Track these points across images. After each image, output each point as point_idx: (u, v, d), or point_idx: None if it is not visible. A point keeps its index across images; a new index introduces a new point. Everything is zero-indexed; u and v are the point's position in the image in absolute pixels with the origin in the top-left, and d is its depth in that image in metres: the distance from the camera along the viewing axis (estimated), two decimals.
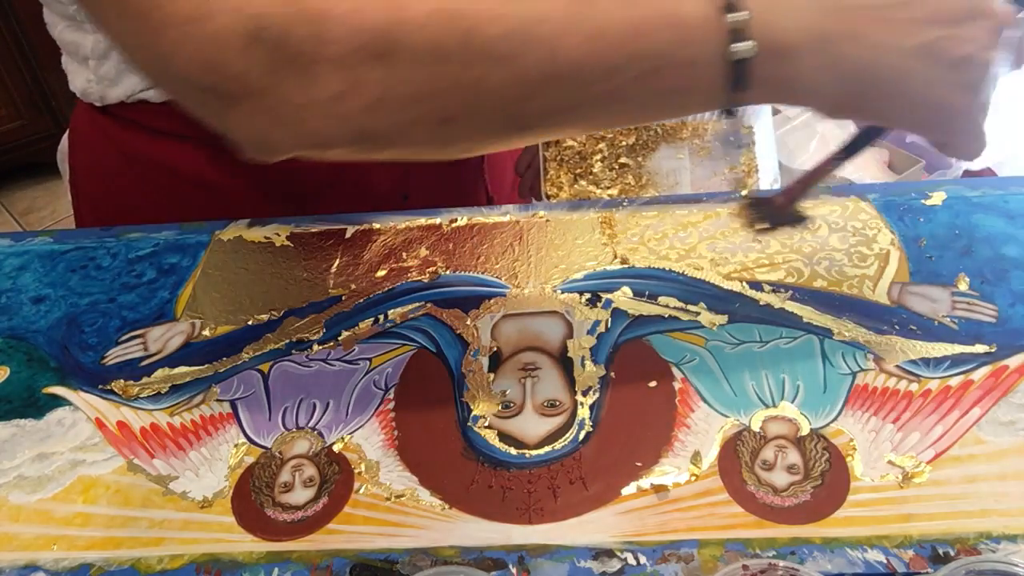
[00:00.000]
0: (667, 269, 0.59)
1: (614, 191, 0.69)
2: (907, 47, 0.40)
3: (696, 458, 0.48)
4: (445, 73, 0.39)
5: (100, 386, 0.56)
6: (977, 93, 0.42)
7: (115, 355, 0.58)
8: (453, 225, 0.65)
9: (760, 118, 0.71)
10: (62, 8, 0.64)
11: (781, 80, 0.41)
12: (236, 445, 0.52)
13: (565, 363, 0.54)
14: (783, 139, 0.80)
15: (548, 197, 0.74)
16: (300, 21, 0.38)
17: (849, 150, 0.49)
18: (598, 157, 0.71)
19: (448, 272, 0.62)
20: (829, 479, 0.47)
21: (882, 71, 0.41)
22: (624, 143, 0.72)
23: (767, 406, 0.51)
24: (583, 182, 0.70)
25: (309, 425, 0.53)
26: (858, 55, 0.40)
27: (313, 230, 0.66)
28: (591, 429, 0.51)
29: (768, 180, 0.67)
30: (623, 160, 0.71)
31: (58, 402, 0.56)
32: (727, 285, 0.58)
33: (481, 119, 0.42)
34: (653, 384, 0.53)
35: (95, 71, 0.66)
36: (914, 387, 0.51)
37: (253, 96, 0.39)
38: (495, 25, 0.39)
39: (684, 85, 0.41)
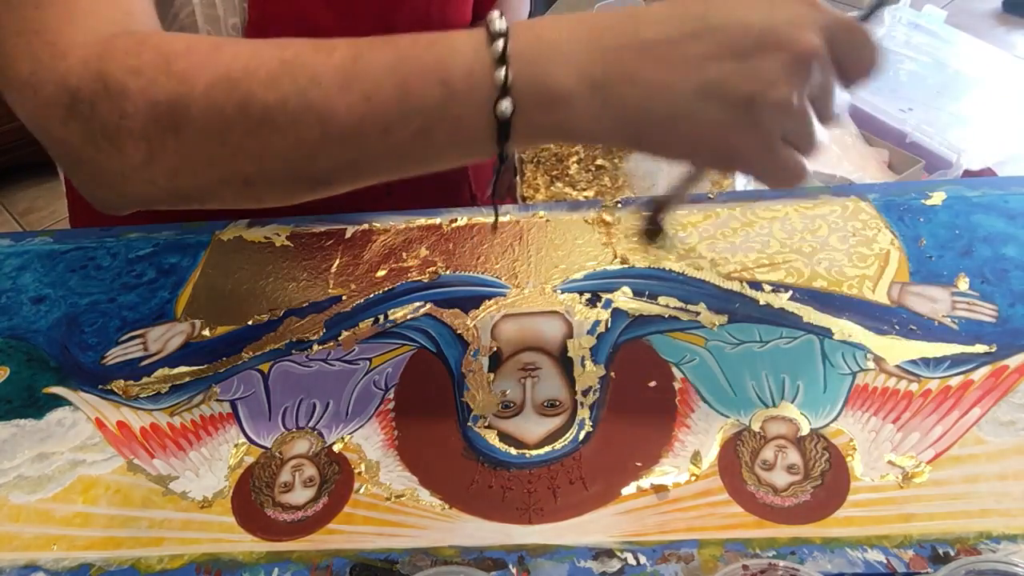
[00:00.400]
0: (667, 269, 0.59)
1: (590, 193, 0.69)
2: (686, 87, 0.37)
3: (696, 458, 0.48)
4: (230, 141, 0.41)
5: (100, 386, 0.56)
6: (767, 132, 0.38)
7: (115, 355, 0.58)
8: (453, 225, 0.65)
9: None
10: None
11: (553, 127, 0.40)
12: (236, 445, 0.52)
13: (565, 363, 0.54)
14: None
15: (524, 199, 0.74)
16: (104, 97, 0.41)
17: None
18: (574, 159, 0.71)
19: (448, 272, 0.62)
20: (829, 479, 0.47)
21: (659, 113, 0.38)
22: (600, 145, 0.72)
23: (767, 406, 0.51)
24: (559, 184, 0.70)
25: (309, 425, 0.53)
26: (634, 98, 0.38)
27: (313, 230, 0.66)
28: (591, 429, 0.51)
29: (742, 182, 0.67)
30: (599, 162, 0.71)
31: (58, 402, 0.56)
32: (727, 285, 0.58)
33: (277, 179, 0.43)
34: (653, 384, 0.53)
35: None
36: (914, 387, 0.51)
37: (77, 162, 0.44)
38: (270, 92, 0.40)
39: (457, 140, 0.41)
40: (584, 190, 0.70)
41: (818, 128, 0.39)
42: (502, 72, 0.38)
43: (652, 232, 0.51)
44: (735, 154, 0.40)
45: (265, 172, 0.43)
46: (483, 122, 0.39)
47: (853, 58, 0.39)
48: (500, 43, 0.38)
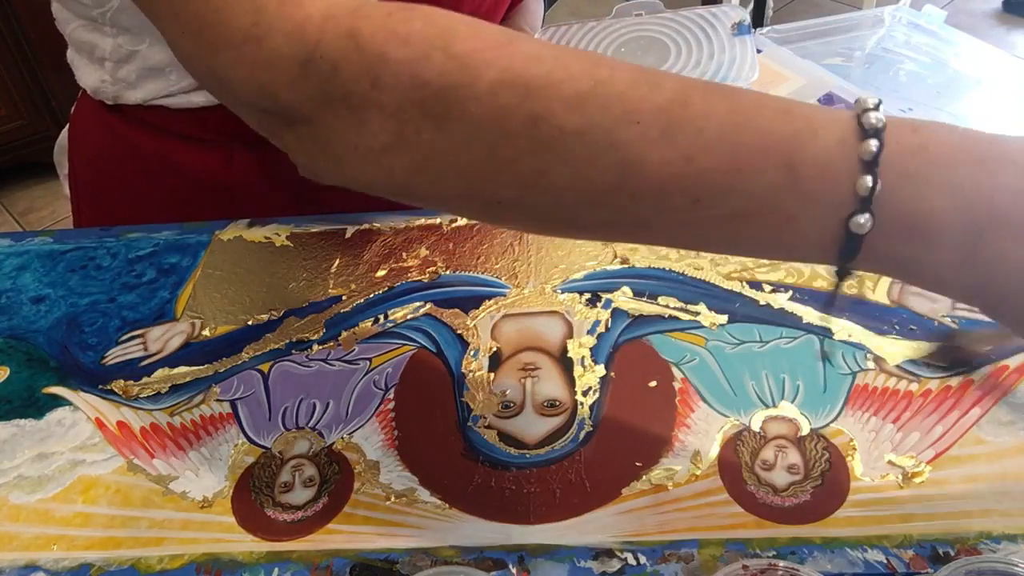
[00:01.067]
0: (667, 269, 0.59)
1: None
2: None
3: (696, 458, 0.48)
4: (502, 155, 0.34)
5: (100, 386, 0.56)
6: None
7: (115, 355, 0.58)
8: (453, 225, 0.65)
9: None
10: (82, 9, 0.63)
11: (906, 259, 0.32)
12: (236, 445, 0.52)
13: (565, 363, 0.54)
14: None
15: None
16: (355, 59, 0.35)
17: None
18: None
19: (448, 272, 0.62)
20: (829, 479, 0.47)
21: None
22: None
23: (767, 406, 0.51)
24: None
25: (309, 425, 0.53)
26: (1016, 258, 0.31)
27: (313, 230, 0.66)
28: (591, 429, 0.51)
29: None
30: None
31: (58, 402, 0.56)
32: (727, 285, 0.58)
33: (536, 212, 0.36)
34: (653, 384, 0.53)
35: (112, 73, 0.65)
36: (914, 387, 0.51)
37: (304, 124, 0.37)
38: (572, 115, 0.33)
39: (780, 238, 0.33)
40: None
41: None
42: (867, 181, 0.31)
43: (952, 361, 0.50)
44: None
45: (527, 201, 0.35)
46: (824, 231, 0.32)
47: None
48: (873, 144, 0.31)
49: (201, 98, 0.65)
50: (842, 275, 0.34)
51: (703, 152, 0.32)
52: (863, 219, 0.31)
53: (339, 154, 0.37)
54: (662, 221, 0.35)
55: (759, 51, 0.91)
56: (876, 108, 0.32)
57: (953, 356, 0.51)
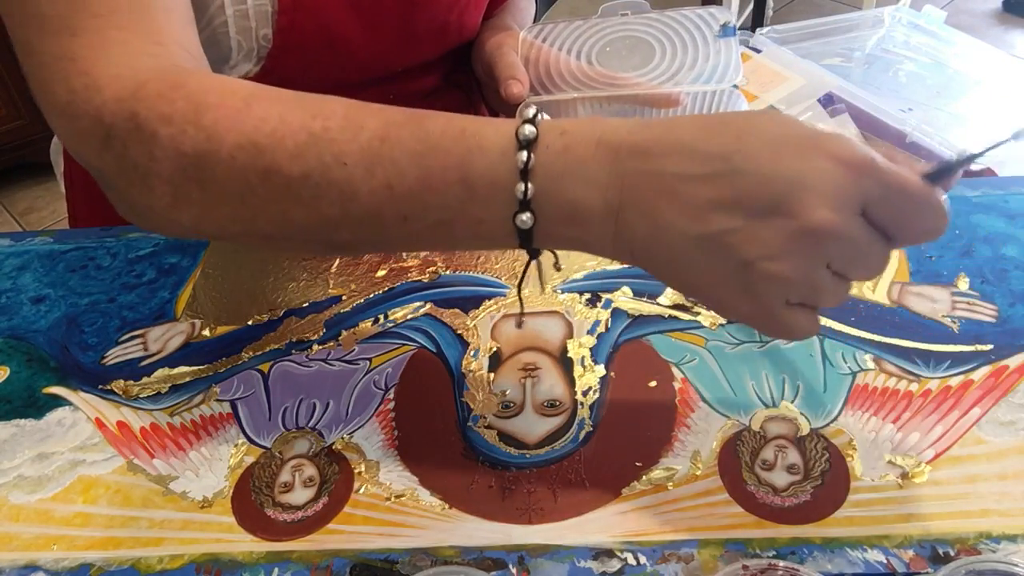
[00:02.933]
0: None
1: None
2: (690, 233, 0.35)
3: (696, 458, 0.48)
4: (251, 203, 0.41)
5: (100, 386, 0.56)
6: (765, 299, 0.36)
7: (115, 355, 0.58)
8: None
9: None
10: None
11: (573, 240, 0.39)
12: (236, 445, 0.52)
13: (565, 363, 0.54)
14: None
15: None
16: (136, 138, 0.42)
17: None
18: None
19: (448, 272, 0.62)
20: (829, 479, 0.47)
21: (662, 251, 0.37)
22: None
23: (767, 406, 0.51)
24: None
25: (309, 425, 0.53)
26: (643, 229, 0.37)
27: None
28: (591, 429, 0.51)
29: None
30: None
31: (58, 402, 0.56)
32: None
33: (297, 242, 0.44)
34: (653, 384, 0.53)
35: None
36: (914, 387, 0.51)
37: (112, 189, 0.45)
38: (295, 165, 0.40)
39: (477, 236, 0.40)
40: None
41: (841, 290, 0.36)
42: (522, 187, 0.37)
43: None
44: (733, 311, 0.38)
45: (285, 234, 0.43)
46: (503, 228, 0.39)
47: (904, 226, 0.36)
48: (524, 155, 0.37)
49: None
50: (532, 255, 0.41)
51: (399, 179, 0.39)
52: (526, 216, 0.38)
53: (140, 213, 0.45)
54: (387, 237, 0.42)
55: (759, 51, 0.91)
56: (532, 120, 0.38)
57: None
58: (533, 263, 0.42)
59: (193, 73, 0.45)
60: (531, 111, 0.38)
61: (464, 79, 0.77)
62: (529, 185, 0.37)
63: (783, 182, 0.34)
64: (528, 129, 0.37)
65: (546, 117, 0.39)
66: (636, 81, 0.70)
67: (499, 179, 0.38)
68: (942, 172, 0.36)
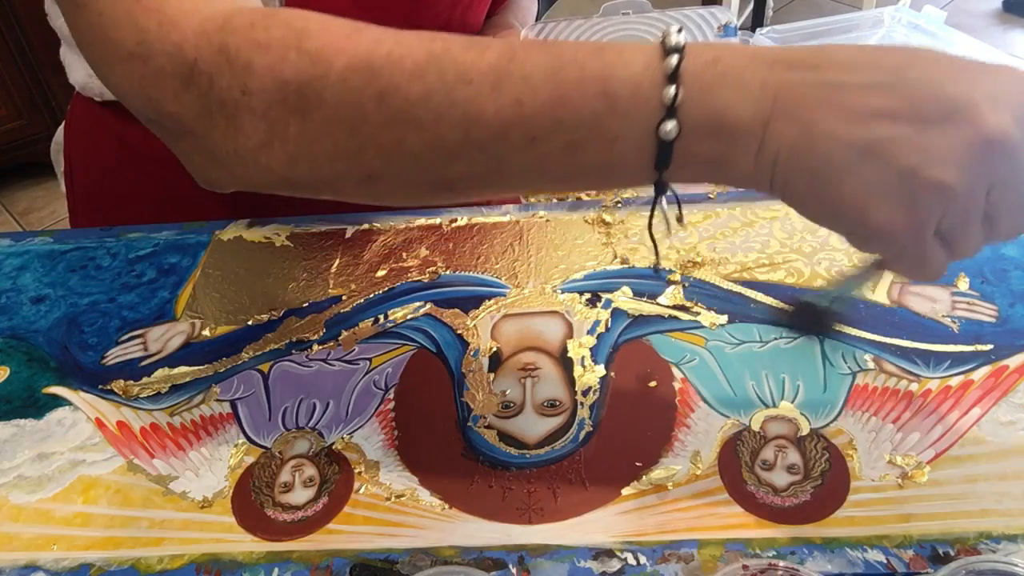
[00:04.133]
0: (667, 269, 0.59)
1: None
2: (850, 139, 0.33)
3: (696, 458, 0.48)
4: (361, 133, 0.38)
5: (100, 386, 0.56)
6: (920, 216, 0.34)
7: (115, 355, 0.58)
8: (453, 225, 0.65)
9: None
10: None
11: (715, 159, 0.36)
12: (236, 445, 0.52)
13: (565, 363, 0.54)
14: None
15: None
16: (226, 71, 0.39)
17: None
18: None
19: (448, 272, 0.62)
20: (829, 479, 0.47)
21: (811, 161, 0.34)
22: None
23: (767, 406, 0.51)
24: None
25: (309, 425, 0.53)
26: (791, 138, 0.34)
27: (313, 230, 0.66)
28: (591, 429, 0.51)
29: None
30: None
31: (58, 402, 0.56)
32: (727, 285, 0.58)
33: (404, 179, 0.40)
34: (653, 384, 0.53)
35: None
36: (914, 387, 0.51)
37: (190, 136, 0.41)
38: (414, 86, 0.37)
39: (608, 160, 0.37)
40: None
41: (984, 233, 0.35)
42: (672, 90, 0.34)
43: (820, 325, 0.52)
44: (878, 231, 0.35)
45: (393, 170, 0.39)
46: (643, 143, 0.36)
47: None
48: (674, 59, 0.35)
49: None
50: (659, 189, 0.38)
51: (531, 95, 0.36)
52: (670, 125, 0.35)
53: (222, 160, 0.41)
54: (510, 164, 0.38)
55: None
56: (679, 32, 0.35)
57: (811, 319, 0.52)
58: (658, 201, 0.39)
59: (282, 8, 0.41)
60: (676, 27, 0.36)
61: None
62: (679, 90, 0.34)
63: (960, 91, 0.32)
64: (675, 38, 0.35)
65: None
66: None
67: (643, 87, 0.35)
68: None
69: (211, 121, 0.40)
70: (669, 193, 0.38)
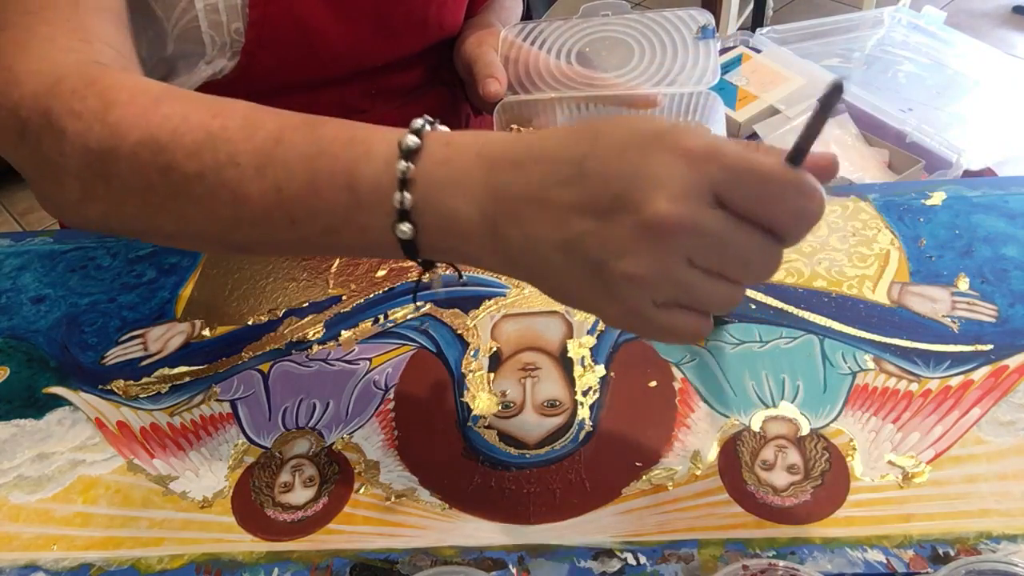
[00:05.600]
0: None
1: None
2: (554, 239, 0.35)
3: (696, 458, 0.48)
4: (152, 200, 0.42)
5: (100, 386, 0.56)
6: (628, 301, 0.35)
7: (115, 355, 0.58)
8: None
9: (714, 122, 0.71)
10: None
11: (456, 252, 0.39)
12: (236, 445, 0.52)
13: (565, 363, 0.54)
14: (783, 138, 0.80)
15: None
16: (47, 134, 0.43)
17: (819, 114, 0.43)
18: None
19: (448, 272, 0.61)
20: (829, 479, 0.47)
21: (533, 261, 0.36)
22: None
23: (767, 406, 0.51)
24: None
25: (309, 425, 0.53)
26: (516, 240, 0.36)
27: None
28: (591, 429, 0.51)
29: None
30: None
31: (58, 402, 0.56)
32: None
33: (197, 241, 0.45)
34: (653, 384, 0.53)
35: None
36: (914, 387, 0.51)
37: (31, 182, 0.46)
38: (191, 163, 0.40)
39: (364, 245, 0.40)
40: None
41: (723, 291, 0.35)
42: (398, 196, 0.37)
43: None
44: (606, 317, 0.37)
45: (184, 233, 0.43)
46: (387, 237, 0.38)
47: (768, 212, 0.33)
48: (403, 164, 0.37)
49: None
50: (426, 266, 0.42)
51: (288, 182, 0.39)
52: (405, 227, 0.38)
53: (55, 205, 0.46)
54: (278, 240, 0.42)
55: (759, 51, 0.91)
56: (419, 130, 0.38)
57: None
58: (426, 275, 0.42)
59: (110, 71, 0.45)
60: (419, 122, 0.38)
61: (449, 76, 0.78)
62: (407, 195, 0.37)
63: (623, 179, 0.33)
64: (411, 139, 0.38)
65: (440, 128, 0.39)
66: (614, 82, 0.70)
67: (382, 187, 0.38)
68: (798, 149, 0.33)
69: (41, 174, 0.45)
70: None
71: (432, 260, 0.41)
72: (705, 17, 0.72)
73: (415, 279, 0.61)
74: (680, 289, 0.34)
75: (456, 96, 0.81)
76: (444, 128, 0.40)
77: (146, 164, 0.41)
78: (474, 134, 0.38)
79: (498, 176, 0.36)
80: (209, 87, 0.64)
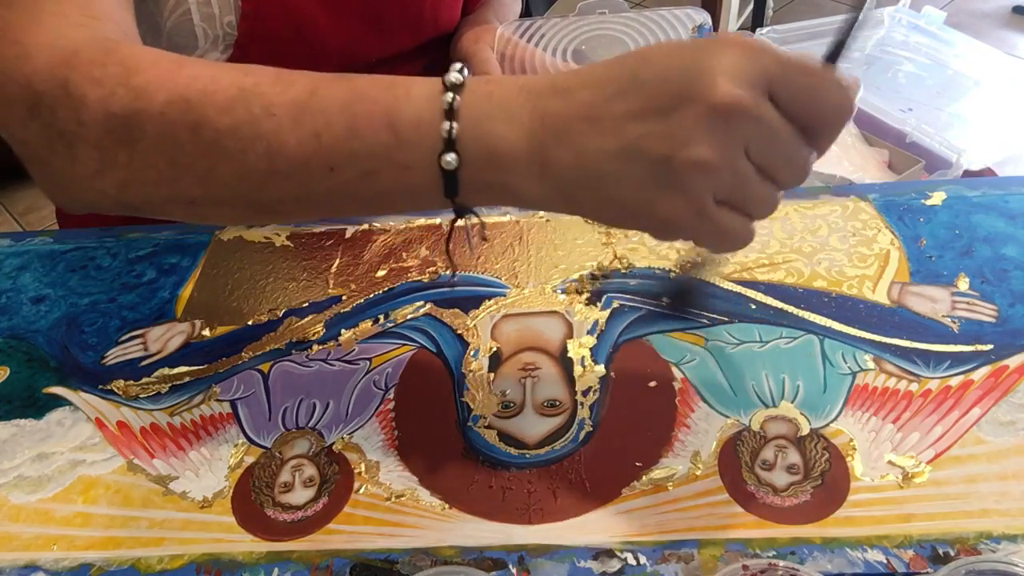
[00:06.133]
0: (667, 269, 0.59)
1: None
2: (610, 149, 0.36)
3: (696, 458, 0.48)
4: (180, 161, 0.42)
5: (100, 386, 0.56)
6: (693, 195, 0.36)
7: (115, 355, 0.58)
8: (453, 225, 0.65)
9: None
10: None
11: (500, 186, 0.39)
12: (236, 445, 0.52)
13: (565, 363, 0.54)
14: None
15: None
16: (65, 104, 0.42)
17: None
18: None
19: (448, 272, 0.61)
20: (829, 479, 0.47)
21: (588, 175, 0.37)
22: None
23: (767, 406, 0.51)
24: None
25: (309, 425, 0.53)
26: (567, 159, 0.37)
27: (313, 230, 0.66)
28: (591, 429, 0.51)
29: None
30: None
31: (58, 402, 0.56)
32: (727, 285, 0.58)
33: (223, 203, 0.44)
34: (653, 384, 0.53)
35: None
36: (914, 387, 0.51)
37: (36, 160, 0.45)
38: (223, 118, 0.40)
39: (403, 187, 0.40)
40: None
41: (768, 192, 0.36)
42: (447, 125, 0.38)
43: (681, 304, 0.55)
44: (666, 221, 0.37)
45: (211, 195, 0.43)
46: (429, 173, 0.39)
47: (811, 107, 0.35)
48: (450, 96, 0.38)
49: None
50: (459, 213, 0.41)
51: (327, 128, 0.39)
52: (450, 157, 0.38)
53: (63, 184, 0.45)
54: (316, 191, 0.41)
55: None
56: (460, 71, 0.39)
57: (683, 298, 0.55)
58: (459, 224, 0.42)
59: (125, 43, 0.45)
60: (457, 65, 0.39)
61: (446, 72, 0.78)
62: (454, 124, 0.38)
63: (684, 74, 0.35)
64: (455, 76, 0.38)
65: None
66: None
67: (424, 121, 0.38)
68: (835, 49, 0.37)
69: (52, 149, 0.43)
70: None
71: (468, 206, 0.41)
72: (701, 16, 0.72)
73: (415, 279, 0.61)
74: (738, 180, 0.36)
75: None
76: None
77: (175, 123, 0.41)
78: (520, 77, 0.39)
79: (545, 103, 0.37)
80: None
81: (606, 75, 0.36)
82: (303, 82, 0.41)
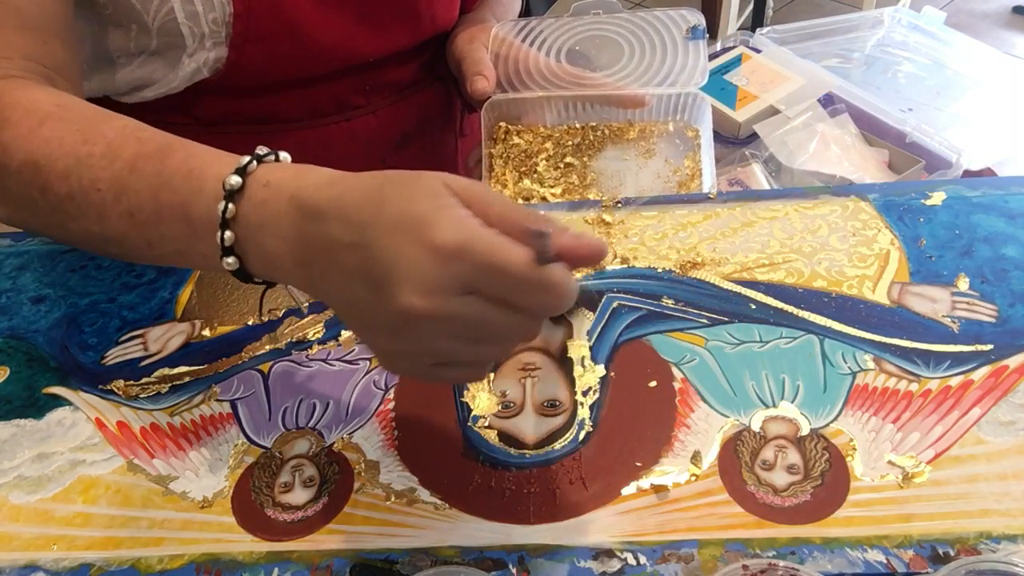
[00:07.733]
0: (667, 269, 0.59)
1: (557, 190, 0.70)
2: (342, 296, 0.39)
3: (696, 458, 0.48)
4: (37, 215, 0.48)
5: (100, 386, 0.56)
6: (406, 365, 0.39)
7: (115, 355, 0.58)
8: None
9: (702, 122, 0.71)
10: None
11: (276, 280, 0.43)
12: (236, 445, 0.52)
13: (565, 363, 0.54)
14: (783, 138, 0.80)
15: None
16: None
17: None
18: (543, 156, 0.71)
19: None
20: (829, 479, 0.47)
21: (333, 304, 0.41)
22: (570, 143, 0.72)
23: (767, 406, 0.51)
24: (527, 181, 0.70)
25: (309, 425, 0.53)
26: (319, 285, 0.40)
27: None
28: (591, 429, 0.51)
29: (708, 184, 0.68)
30: (568, 159, 0.71)
31: (58, 402, 0.56)
32: (727, 285, 0.58)
33: (85, 247, 0.50)
34: (653, 384, 0.53)
35: None
36: (914, 387, 0.51)
37: None
38: (62, 185, 0.45)
39: (211, 268, 0.45)
40: (552, 187, 0.70)
41: (491, 351, 0.38)
42: (221, 234, 0.41)
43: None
44: (388, 363, 0.41)
45: (72, 242, 0.50)
46: (223, 264, 0.42)
47: (517, 302, 0.36)
48: (222, 205, 0.40)
49: (151, 93, 0.65)
50: (269, 284, 0.44)
51: (139, 210, 0.44)
52: (231, 260, 0.42)
53: None
54: (143, 257, 0.47)
55: (759, 51, 0.91)
56: (243, 168, 0.41)
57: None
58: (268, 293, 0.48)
59: (11, 89, 0.50)
60: (245, 159, 0.41)
61: (445, 72, 0.78)
62: (228, 233, 0.41)
63: (385, 264, 0.35)
64: (234, 179, 0.41)
65: (284, 156, 0.42)
66: (603, 81, 0.70)
67: (211, 221, 0.41)
68: (543, 254, 0.35)
69: None
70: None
71: (270, 280, 0.44)
72: (695, 17, 0.72)
73: None
74: (442, 357, 0.38)
75: (451, 92, 0.81)
76: (284, 156, 0.42)
77: (28, 184, 0.46)
78: (295, 173, 0.41)
79: (305, 224, 0.39)
80: (205, 85, 0.65)
81: (352, 214, 0.37)
82: (127, 156, 0.44)
